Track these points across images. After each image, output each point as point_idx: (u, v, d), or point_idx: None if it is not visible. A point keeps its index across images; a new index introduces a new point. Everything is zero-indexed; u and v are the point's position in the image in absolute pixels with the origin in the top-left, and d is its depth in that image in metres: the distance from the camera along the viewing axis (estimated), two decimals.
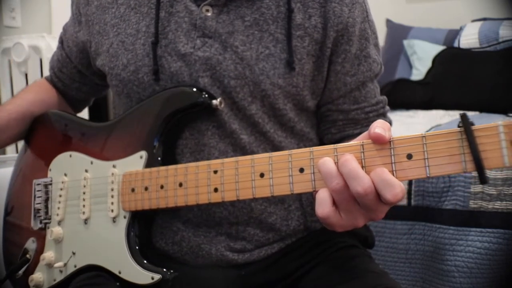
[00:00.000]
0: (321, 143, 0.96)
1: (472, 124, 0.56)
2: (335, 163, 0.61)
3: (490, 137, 0.55)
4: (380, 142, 0.60)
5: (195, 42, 0.83)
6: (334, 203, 0.62)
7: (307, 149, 0.65)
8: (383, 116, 0.94)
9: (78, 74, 1.06)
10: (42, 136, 1.00)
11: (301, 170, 0.65)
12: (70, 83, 1.08)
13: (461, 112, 0.58)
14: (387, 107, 0.96)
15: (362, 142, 0.62)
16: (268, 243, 0.87)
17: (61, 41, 1.07)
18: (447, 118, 2.07)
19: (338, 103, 0.90)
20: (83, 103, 1.15)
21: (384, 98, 0.95)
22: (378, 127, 0.60)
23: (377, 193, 0.59)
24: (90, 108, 2.39)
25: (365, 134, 0.63)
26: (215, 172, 0.71)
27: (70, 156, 0.92)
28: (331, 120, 0.92)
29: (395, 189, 0.58)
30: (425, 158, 0.58)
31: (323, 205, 0.62)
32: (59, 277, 0.88)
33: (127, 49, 0.87)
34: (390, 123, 0.96)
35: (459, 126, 0.57)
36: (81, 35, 0.98)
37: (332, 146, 0.64)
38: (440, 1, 2.91)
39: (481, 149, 0.55)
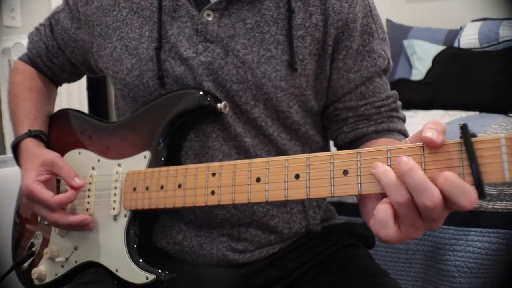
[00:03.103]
0: (334, 145, 0.95)
1: (473, 135, 0.53)
2: (388, 165, 0.56)
3: (491, 149, 0.52)
4: (432, 146, 0.55)
5: (197, 47, 0.83)
6: (395, 218, 0.56)
7: (304, 155, 0.63)
8: (395, 111, 0.91)
9: (70, 66, 1.05)
10: (54, 133, 1.01)
11: (297, 176, 0.63)
12: (60, 73, 1.07)
13: (462, 122, 0.55)
14: (399, 102, 0.92)
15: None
16: (269, 244, 0.88)
17: (51, 30, 1.03)
18: (447, 118, 2.06)
19: (344, 100, 0.89)
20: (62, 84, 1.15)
21: (395, 92, 0.92)
22: (429, 128, 0.54)
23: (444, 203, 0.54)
24: (90, 108, 2.41)
25: (417, 135, 0.58)
26: (213, 174, 0.71)
27: (79, 153, 0.93)
28: (341, 119, 0.90)
29: (470, 195, 0.51)
30: (422, 169, 0.54)
31: (387, 227, 0.55)
32: (60, 272, 0.89)
33: (130, 53, 0.87)
34: (404, 118, 0.93)
35: (460, 137, 0.53)
36: (81, 33, 0.97)
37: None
38: (440, 1, 2.91)
39: (481, 162, 0.52)
